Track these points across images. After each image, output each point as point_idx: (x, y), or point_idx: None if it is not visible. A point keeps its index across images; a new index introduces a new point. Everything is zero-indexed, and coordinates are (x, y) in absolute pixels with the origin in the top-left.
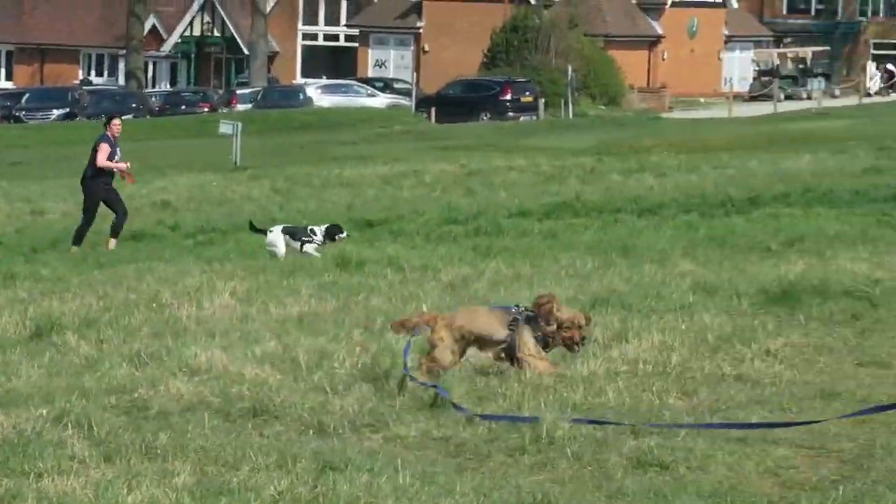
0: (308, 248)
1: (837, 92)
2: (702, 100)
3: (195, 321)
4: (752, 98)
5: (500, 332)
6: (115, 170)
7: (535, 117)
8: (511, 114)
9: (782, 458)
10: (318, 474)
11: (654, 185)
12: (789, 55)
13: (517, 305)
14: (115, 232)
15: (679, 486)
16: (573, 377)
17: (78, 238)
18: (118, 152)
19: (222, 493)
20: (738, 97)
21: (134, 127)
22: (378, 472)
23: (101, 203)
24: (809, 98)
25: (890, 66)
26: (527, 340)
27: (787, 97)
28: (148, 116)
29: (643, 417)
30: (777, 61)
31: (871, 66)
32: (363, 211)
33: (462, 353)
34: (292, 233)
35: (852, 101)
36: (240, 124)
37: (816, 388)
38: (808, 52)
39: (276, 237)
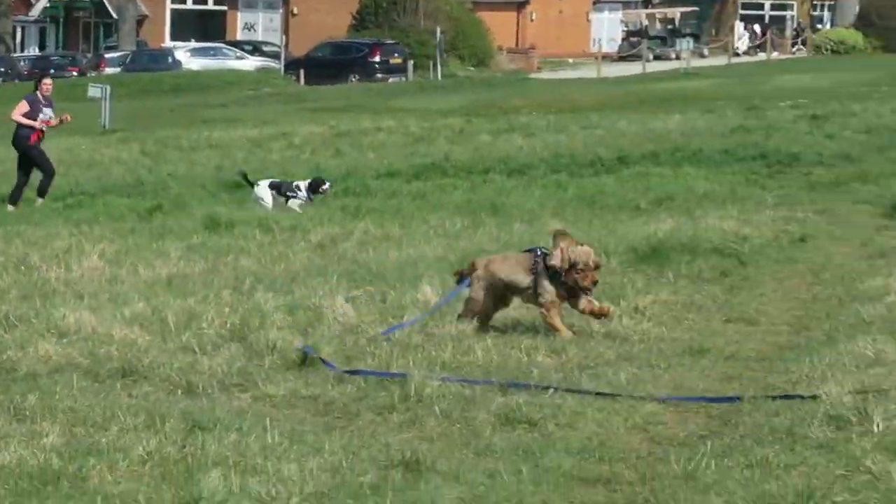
0: (292, 203)
1: (706, 52)
2: (570, 60)
3: (64, 283)
4: (621, 58)
5: (525, 279)
6: (35, 127)
7: (403, 79)
8: (380, 75)
9: (651, 414)
10: (186, 434)
11: (523, 146)
12: (658, 16)
13: (540, 248)
14: (13, 199)
15: (547, 443)
16: (441, 336)
17: (41, 192)
18: (49, 112)
19: (91, 453)
20: (606, 58)
21: (2, 91)
22: (247, 431)
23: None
24: (678, 58)
25: (757, 27)
26: (547, 287)
27: (656, 57)
28: (17, 81)
29: (513, 374)
30: (646, 22)
31: (739, 26)
32: (232, 173)
33: (498, 298)
34: (278, 187)
35: (721, 60)
36: (108, 88)
37: (685, 345)
38: (676, 12)
39: (264, 191)
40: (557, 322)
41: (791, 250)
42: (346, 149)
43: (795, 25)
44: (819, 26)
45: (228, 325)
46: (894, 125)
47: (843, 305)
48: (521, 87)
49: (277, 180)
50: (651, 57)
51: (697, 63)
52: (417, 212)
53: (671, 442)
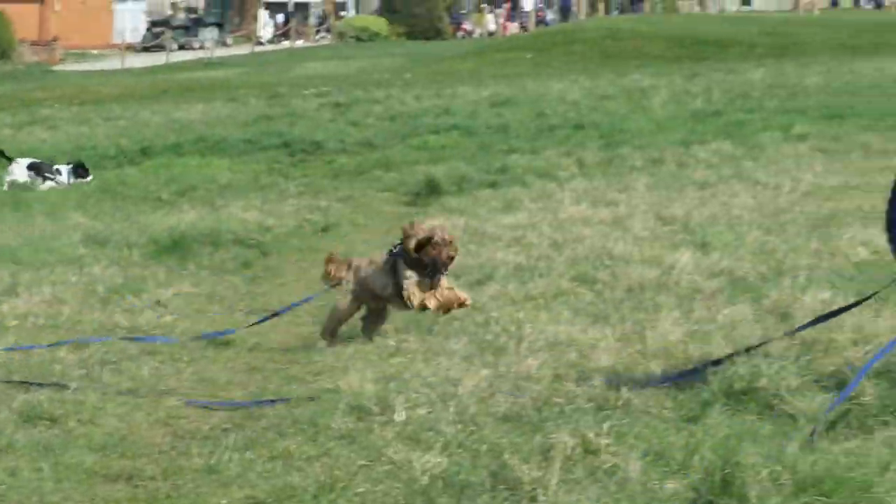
0: (48, 184)
1: (230, 41)
2: (94, 52)
3: None
4: (146, 49)
5: (388, 286)
6: None
7: None
8: None
9: (173, 408)
10: None
11: (46, 138)
12: (182, 5)
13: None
14: None
15: (69, 440)
16: None
17: None
18: None
19: None
20: (130, 48)
21: None
22: None
23: None
24: (203, 48)
25: (281, 16)
26: (408, 275)
27: (181, 47)
28: None
29: (35, 371)
30: (170, 12)
31: (263, 15)
32: None
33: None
34: (37, 168)
35: (245, 49)
36: None
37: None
38: (200, 1)
39: (20, 170)
40: (424, 299)
41: (314, 239)
42: None
43: (320, 13)
44: (343, 13)
45: None
46: (417, 112)
47: None
48: (43, 79)
49: (38, 161)
50: (175, 47)
51: (221, 52)
52: None
53: (194, 436)
